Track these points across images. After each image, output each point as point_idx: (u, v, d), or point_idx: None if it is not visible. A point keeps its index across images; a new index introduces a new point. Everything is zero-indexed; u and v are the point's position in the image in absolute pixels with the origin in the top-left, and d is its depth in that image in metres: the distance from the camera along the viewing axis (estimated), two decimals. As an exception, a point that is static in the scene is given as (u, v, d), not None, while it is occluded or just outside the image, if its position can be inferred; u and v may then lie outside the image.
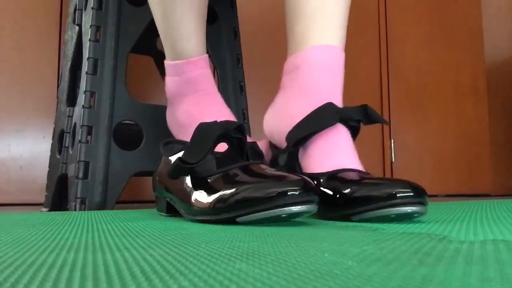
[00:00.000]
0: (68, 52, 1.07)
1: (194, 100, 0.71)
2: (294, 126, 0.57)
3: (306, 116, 0.56)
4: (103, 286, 0.17)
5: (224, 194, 0.44)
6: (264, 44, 1.56)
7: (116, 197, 0.84)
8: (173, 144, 0.61)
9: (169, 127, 0.77)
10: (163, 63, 0.76)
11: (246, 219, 0.42)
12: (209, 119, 0.53)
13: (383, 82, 1.82)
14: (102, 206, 0.82)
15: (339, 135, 0.56)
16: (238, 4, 1.10)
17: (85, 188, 0.81)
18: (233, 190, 0.43)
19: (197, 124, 0.50)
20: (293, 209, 0.41)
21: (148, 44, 1.25)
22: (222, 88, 1.02)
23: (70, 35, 1.07)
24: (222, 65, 1.02)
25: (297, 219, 0.47)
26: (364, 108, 0.58)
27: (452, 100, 1.93)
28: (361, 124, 0.59)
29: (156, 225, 0.45)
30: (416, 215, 0.45)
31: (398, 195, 0.44)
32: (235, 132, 0.50)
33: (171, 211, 0.56)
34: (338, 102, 0.60)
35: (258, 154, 0.56)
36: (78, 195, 0.80)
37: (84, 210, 0.80)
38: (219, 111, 0.69)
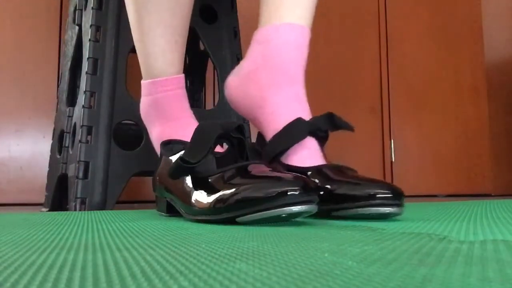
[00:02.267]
0: (68, 52, 1.07)
1: (159, 127, 0.68)
2: (268, 142, 0.59)
3: (278, 133, 0.59)
4: (103, 286, 0.17)
5: (224, 194, 0.44)
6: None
7: (116, 197, 0.84)
8: (173, 144, 0.61)
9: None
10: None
11: (246, 219, 0.42)
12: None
13: (383, 82, 1.82)
14: (102, 206, 0.82)
15: (308, 148, 0.59)
16: (238, 4, 1.10)
17: (85, 188, 0.81)
18: (233, 190, 0.43)
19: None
20: (293, 209, 0.41)
21: (148, 44, 1.25)
22: (222, 88, 1.02)
23: (70, 35, 1.07)
24: (222, 65, 1.02)
25: (297, 219, 0.47)
26: (330, 117, 0.61)
27: (452, 100, 1.93)
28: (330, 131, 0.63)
29: (156, 225, 0.45)
30: (392, 215, 0.47)
31: (378, 195, 0.46)
32: (235, 132, 0.50)
33: (172, 211, 0.56)
34: (301, 78, 0.65)
35: (258, 154, 0.57)
36: (78, 195, 0.80)
37: (84, 210, 0.80)
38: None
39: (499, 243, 0.28)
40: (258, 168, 0.47)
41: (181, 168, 0.48)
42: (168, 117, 0.68)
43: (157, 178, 0.58)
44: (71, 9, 1.08)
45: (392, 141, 1.80)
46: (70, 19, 1.09)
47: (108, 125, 0.85)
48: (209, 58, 1.03)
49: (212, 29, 1.02)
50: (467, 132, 1.94)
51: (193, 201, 0.47)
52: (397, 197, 0.47)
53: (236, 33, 1.06)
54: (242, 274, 0.19)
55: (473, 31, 2.00)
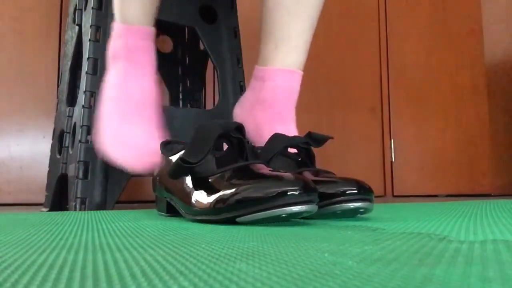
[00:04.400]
0: (68, 52, 1.07)
1: (123, 69, 0.72)
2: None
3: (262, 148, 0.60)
4: (103, 286, 0.17)
5: (224, 194, 0.44)
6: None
7: (116, 197, 0.84)
8: (173, 144, 0.61)
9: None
10: (163, 63, 0.76)
11: (246, 219, 0.42)
12: (128, 89, 0.59)
13: (383, 82, 1.82)
14: (102, 206, 0.82)
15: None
16: (238, 4, 1.10)
17: (85, 188, 0.81)
18: (233, 190, 0.43)
19: (117, 95, 0.57)
20: (293, 209, 0.41)
21: (148, 44, 1.25)
22: (222, 88, 1.02)
23: (70, 35, 1.07)
24: (222, 65, 1.02)
25: (297, 219, 0.47)
26: (309, 135, 0.61)
27: (452, 100, 1.93)
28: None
29: (156, 225, 0.45)
30: (361, 210, 0.49)
31: (346, 192, 0.48)
32: (235, 132, 0.50)
33: (172, 211, 0.56)
34: (292, 117, 0.72)
35: (257, 154, 0.57)
36: (78, 195, 0.80)
37: (84, 210, 0.80)
38: (142, 86, 0.71)
39: (499, 243, 0.28)
40: (258, 168, 0.47)
41: (181, 168, 0.48)
42: (135, 64, 0.72)
43: (157, 178, 0.58)
44: (71, 9, 1.08)
45: (392, 141, 1.80)
46: (70, 19, 1.09)
47: (108, 125, 0.85)
48: (209, 58, 1.03)
49: (212, 29, 1.02)
50: (467, 132, 1.94)
51: (193, 201, 0.47)
52: (365, 192, 0.48)
53: (236, 33, 1.06)
54: (242, 274, 0.19)
55: (473, 31, 2.00)
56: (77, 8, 0.99)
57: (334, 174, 0.57)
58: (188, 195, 0.48)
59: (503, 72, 2.07)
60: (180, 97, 1.26)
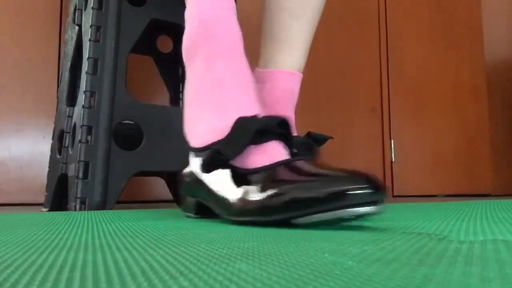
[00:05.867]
0: (68, 52, 1.07)
1: (205, 61, 0.55)
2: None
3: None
4: (103, 286, 0.17)
5: (278, 193, 0.39)
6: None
7: (116, 197, 0.84)
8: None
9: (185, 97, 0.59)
10: (163, 63, 0.76)
11: (303, 221, 0.38)
12: (223, 95, 0.48)
13: (383, 82, 1.82)
14: (102, 206, 0.82)
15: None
16: (238, 3, 1.10)
17: (85, 188, 0.81)
18: (289, 188, 0.39)
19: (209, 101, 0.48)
20: (361, 210, 0.36)
21: (148, 44, 1.25)
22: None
23: (70, 35, 1.07)
24: (222, 65, 1.02)
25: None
26: (309, 135, 0.58)
27: (452, 100, 1.93)
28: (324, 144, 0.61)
29: (156, 225, 0.45)
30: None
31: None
32: (277, 127, 0.46)
33: (202, 213, 0.53)
34: (292, 118, 0.70)
35: (308, 149, 0.51)
36: (78, 195, 0.80)
37: (84, 210, 0.80)
38: (238, 88, 0.53)
39: (499, 243, 0.28)
40: (312, 164, 0.42)
41: (216, 160, 0.44)
42: (220, 46, 0.55)
43: (187, 177, 0.54)
44: (71, 9, 1.08)
45: (392, 141, 1.80)
46: (70, 19, 1.09)
47: (108, 125, 0.85)
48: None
49: (212, 29, 1.02)
50: (467, 132, 1.94)
51: (235, 201, 0.43)
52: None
53: (236, 33, 1.06)
54: (242, 274, 0.19)
55: (473, 31, 2.00)
56: (77, 8, 0.99)
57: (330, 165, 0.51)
58: (229, 195, 0.44)
59: (503, 72, 2.07)
60: (180, 97, 1.26)
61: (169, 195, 1.28)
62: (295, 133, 0.72)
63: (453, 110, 1.93)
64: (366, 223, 0.44)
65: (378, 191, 0.36)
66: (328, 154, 1.82)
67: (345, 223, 0.43)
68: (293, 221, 0.39)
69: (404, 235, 0.33)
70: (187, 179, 0.54)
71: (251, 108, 0.51)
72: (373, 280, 0.17)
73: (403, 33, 1.88)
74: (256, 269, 0.20)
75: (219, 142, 0.47)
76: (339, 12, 1.78)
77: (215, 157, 0.44)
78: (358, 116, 1.77)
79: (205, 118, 0.52)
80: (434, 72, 1.91)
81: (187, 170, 0.55)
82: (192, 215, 0.54)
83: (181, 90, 1.27)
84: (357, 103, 1.78)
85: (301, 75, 0.73)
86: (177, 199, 1.23)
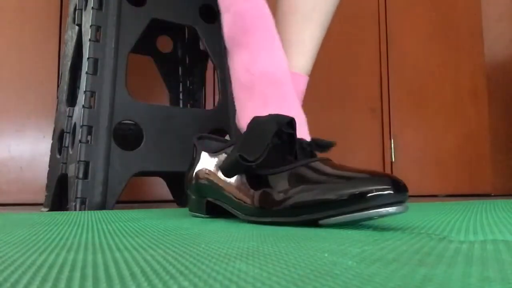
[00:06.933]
0: (68, 52, 1.07)
1: (249, 52, 0.58)
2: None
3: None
4: (103, 286, 0.17)
5: (305, 194, 0.40)
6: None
7: (116, 197, 0.84)
8: (205, 139, 0.57)
9: (234, 91, 0.62)
10: (163, 63, 0.76)
11: (332, 222, 0.39)
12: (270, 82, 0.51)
13: (383, 82, 1.82)
14: (102, 206, 0.82)
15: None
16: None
17: (85, 188, 0.81)
18: (315, 189, 0.39)
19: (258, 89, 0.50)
20: (389, 211, 0.37)
21: (148, 44, 1.25)
22: (222, 88, 1.02)
23: (70, 35, 1.07)
24: (222, 65, 1.02)
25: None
26: (313, 141, 0.57)
27: (452, 100, 1.93)
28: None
29: (156, 225, 0.45)
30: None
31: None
32: (286, 127, 0.46)
33: (212, 212, 0.53)
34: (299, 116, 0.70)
35: (309, 152, 0.51)
36: (78, 195, 0.80)
37: (84, 210, 0.80)
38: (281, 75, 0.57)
39: (499, 243, 0.28)
40: (333, 165, 0.42)
41: (239, 166, 0.44)
42: (259, 37, 0.58)
43: (195, 177, 0.53)
44: (71, 9, 1.08)
45: (392, 141, 1.80)
46: (70, 19, 1.09)
47: (108, 125, 0.85)
48: (209, 58, 1.03)
49: (212, 29, 1.02)
50: (467, 132, 1.94)
51: (256, 201, 0.43)
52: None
53: (236, 33, 1.06)
54: (242, 274, 0.19)
55: (473, 31, 2.00)
56: (77, 8, 0.99)
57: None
58: (248, 195, 0.44)
59: (503, 72, 2.07)
60: (180, 97, 1.26)
61: (169, 195, 1.28)
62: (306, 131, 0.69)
63: (453, 110, 1.93)
64: (366, 223, 0.44)
65: (401, 191, 0.37)
66: (328, 154, 1.81)
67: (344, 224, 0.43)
68: (322, 221, 0.39)
69: (404, 235, 0.33)
70: (195, 179, 0.54)
71: (296, 101, 0.57)
72: (373, 280, 0.17)
73: (403, 33, 1.88)
74: (256, 269, 0.20)
75: (237, 146, 0.46)
76: (339, 12, 1.78)
77: (238, 163, 0.44)
78: (357, 116, 1.77)
79: (259, 110, 0.55)
80: (434, 72, 1.91)
81: (195, 169, 0.54)
82: (201, 215, 0.54)
83: (181, 90, 1.27)
84: (357, 103, 1.77)
85: (308, 77, 0.73)
86: (177, 199, 1.23)
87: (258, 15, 0.60)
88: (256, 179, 0.44)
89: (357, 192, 0.37)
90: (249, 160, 0.43)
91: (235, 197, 0.46)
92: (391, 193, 0.37)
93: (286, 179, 0.42)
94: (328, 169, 0.41)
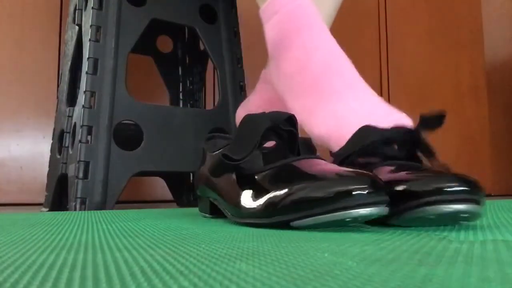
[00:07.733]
0: (68, 52, 1.07)
1: (301, 43, 0.55)
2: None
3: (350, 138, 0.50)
4: (103, 286, 0.17)
5: (277, 195, 0.38)
6: (264, 44, 1.56)
7: (116, 197, 0.84)
8: (216, 139, 0.57)
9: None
10: (163, 63, 0.76)
11: (302, 223, 0.37)
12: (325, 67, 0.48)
13: (383, 82, 1.82)
14: (102, 206, 0.82)
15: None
16: (238, 4, 1.10)
17: (85, 188, 0.81)
18: (287, 189, 0.38)
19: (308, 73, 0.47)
20: (361, 212, 0.34)
21: (148, 44, 1.25)
22: (222, 88, 1.02)
23: (70, 35, 1.07)
24: (222, 65, 1.02)
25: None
26: (422, 117, 0.52)
27: (452, 100, 1.93)
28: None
29: (156, 225, 0.45)
30: (465, 215, 0.37)
31: (445, 189, 0.36)
32: (285, 124, 0.44)
33: (216, 212, 0.52)
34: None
35: (311, 150, 0.50)
36: (78, 195, 0.80)
37: (84, 210, 0.80)
38: (335, 58, 0.54)
39: (499, 243, 0.28)
40: (313, 164, 0.41)
41: (224, 165, 0.43)
42: (311, 28, 0.55)
43: (199, 176, 0.53)
44: (71, 9, 1.08)
45: (392, 141, 1.80)
46: (70, 19, 1.09)
47: (108, 125, 0.85)
48: (209, 58, 1.03)
49: (212, 29, 1.02)
50: (467, 132, 1.94)
51: (241, 202, 0.42)
52: (471, 190, 0.35)
53: (236, 33, 1.06)
54: (242, 274, 0.19)
55: (473, 31, 2.00)
56: (77, 8, 0.99)
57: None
58: (234, 196, 0.43)
59: (503, 72, 2.07)
60: (180, 97, 1.26)
61: (169, 195, 1.28)
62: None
63: (453, 110, 1.93)
64: (366, 223, 0.44)
65: (378, 191, 0.35)
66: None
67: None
68: (293, 223, 0.37)
69: (404, 235, 0.33)
70: (201, 180, 0.54)
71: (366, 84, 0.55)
72: (373, 280, 0.17)
73: (403, 33, 1.88)
74: (256, 269, 0.20)
75: (227, 146, 0.46)
76: (338, 12, 1.78)
77: (221, 162, 0.43)
78: (358, 116, 1.77)
79: (322, 107, 0.53)
80: (434, 72, 1.91)
81: (201, 170, 0.54)
82: (207, 215, 0.54)
83: (181, 90, 1.27)
84: (357, 103, 1.77)
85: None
86: (177, 199, 1.23)
87: (309, 12, 0.58)
88: (243, 179, 0.43)
89: (333, 191, 0.35)
90: (233, 159, 0.42)
91: (225, 198, 0.46)
92: (363, 193, 0.34)
93: (267, 179, 0.41)
94: (308, 169, 0.39)
